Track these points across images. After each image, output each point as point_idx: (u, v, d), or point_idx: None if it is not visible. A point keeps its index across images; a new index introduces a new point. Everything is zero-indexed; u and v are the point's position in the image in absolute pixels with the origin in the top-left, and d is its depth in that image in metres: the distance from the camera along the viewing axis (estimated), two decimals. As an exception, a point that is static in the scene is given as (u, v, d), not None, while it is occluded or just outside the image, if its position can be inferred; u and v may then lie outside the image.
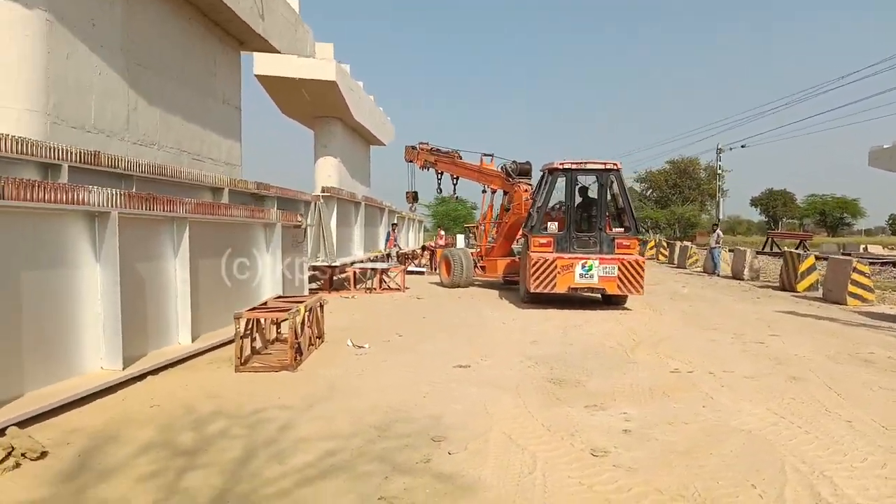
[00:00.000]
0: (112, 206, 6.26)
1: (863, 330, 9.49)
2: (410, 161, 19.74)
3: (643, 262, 11.55)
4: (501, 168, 15.78)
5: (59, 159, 7.08)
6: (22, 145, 6.57)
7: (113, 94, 10.34)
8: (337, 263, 14.83)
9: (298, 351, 7.18)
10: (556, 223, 12.02)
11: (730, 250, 21.54)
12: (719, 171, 47.55)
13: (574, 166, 11.85)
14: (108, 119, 10.24)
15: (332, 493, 3.60)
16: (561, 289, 11.50)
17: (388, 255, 21.56)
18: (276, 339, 8.23)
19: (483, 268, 16.44)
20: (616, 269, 11.41)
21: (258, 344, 7.62)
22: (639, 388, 5.95)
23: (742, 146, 41.75)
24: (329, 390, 5.94)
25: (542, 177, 12.55)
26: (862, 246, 53.80)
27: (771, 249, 37.64)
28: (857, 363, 7.07)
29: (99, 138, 9.98)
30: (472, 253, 17.10)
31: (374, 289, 15.39)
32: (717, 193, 46.94)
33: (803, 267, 15.10)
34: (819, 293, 14.29)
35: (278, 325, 8.31)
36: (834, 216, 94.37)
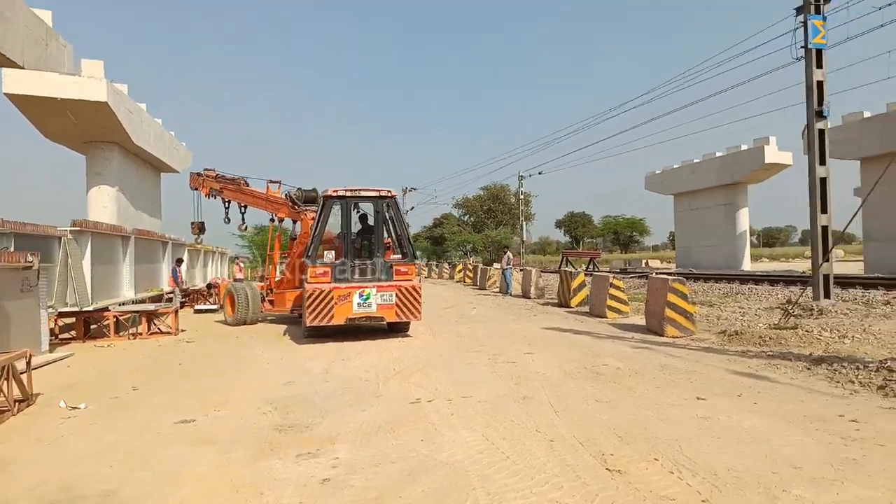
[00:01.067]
0: None
1: (608, 342, 10.22)
2: (196, 189, 18.32)
3: (420, 288, 11.54)
4: (286, 195, 15.13)
5: None
6: None
7: None
8: (91, 308, 13.08)
9: (-22, 421, 5.94)
10: (334, 252, 11.65)
11: (520, 270, 22.79)
12: (522, 196, 50.89)
13: (348, 194, 11.58)
14: None
15: None
16: (339, 320, 11.08)
17: (172, 294, 19.77)
18: None
19: (272, 301, 15.55)
20: (394, 296, 11.27)
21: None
22: (367, 427, 5.63)
23: (539, 173, 45.08)
24: (-5, 468, 4.87)
25: (321, 205, 12.13)
26: (644, 261, 60.75)
27: (566, 268, 40.86)
28: (588, 377, 7.45)
29: None
30: (259, 286, 16.16)
31: (141, 334, 13.81)
32: (521, 217, 50.14)
33: (574, 284, 16.27)
34: (588, 308, 15.43)
35: None
36: (625, 235, 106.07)
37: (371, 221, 12.42)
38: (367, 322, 11.46)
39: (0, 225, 11.89)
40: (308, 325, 11.12)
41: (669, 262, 61.72)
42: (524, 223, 50.11)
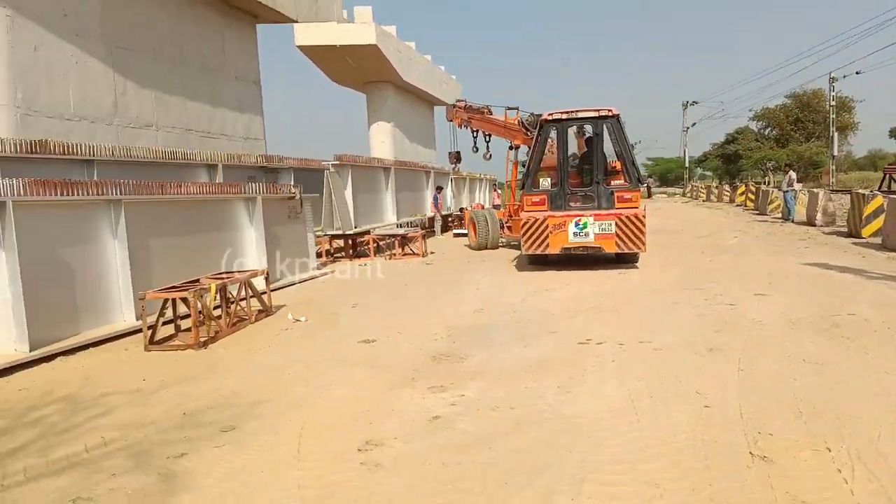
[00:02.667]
0: (7, 195, 6.41)
1: (879, 284, 8.01)
2: (451, 120, 19.16)
3: (643, 216, 10.44)
4: (519, 122, 14.90)
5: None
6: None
7: (94, 81, 10.68)
8: (351, 231, 14.78)
9: (220, 329, 7.19)
10: (550, 180, 11.17)
11: (807, 192, 19.19)
12: (834, 102, 42.33)
13: (565, 116, 10.88)
14: (91, 106, 10.62)
15: (37, 493, 3.48)
16: (554, 249, 10.71)
17: (432, 219, 21.37)
18: (229, 314, 8.09)
19: (510, 228, 15.76)
20: (613, 225, 10.42)
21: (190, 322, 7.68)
22: (516, 365, 5.34)
23: (857, 73, 36.69)
24: (205, 371, 5.85)
25: (537, 130, 11.65)
26: None
27: (889, 188, 33.11)
28: (818, 328, 5.93)
29: (82, 125, 10.40)
30: (500, 213, 16.46)
31: (395, 255, 15.25)
32: (831, 127, 41.88)
33: (868, 209, 13.08)
34: (881, 240, 12.34)
35: (229, 302, 8.18)
36: None
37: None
38: (586, 252, 10.82)
39: (281, 161, 14.02)
40: (524, 253, 10.99)
41: None
42: (835, 135, 41.83)
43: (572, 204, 10.84)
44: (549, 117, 10.98)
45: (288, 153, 13.64)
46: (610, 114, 10.63)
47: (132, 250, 7.90)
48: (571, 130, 11.96)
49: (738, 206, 31.08)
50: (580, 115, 10.87)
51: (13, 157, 7.78)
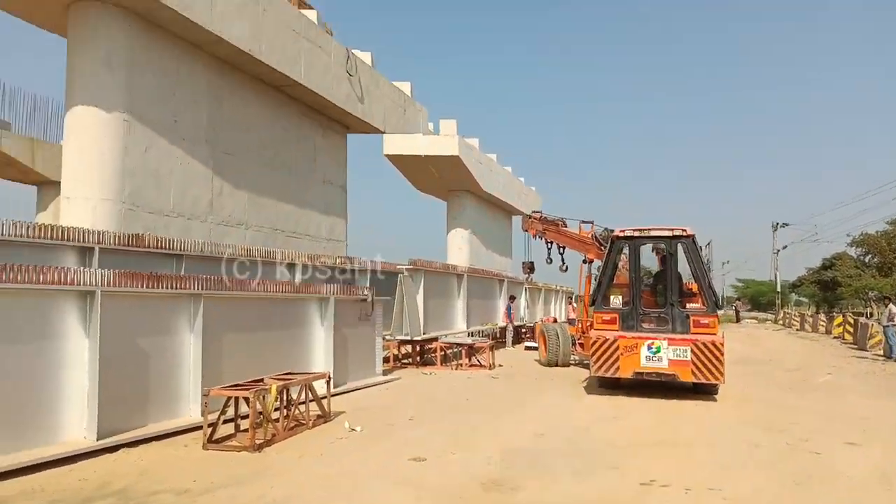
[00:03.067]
0: (97, 284, 6.87)
1: None
2: (526, 230, 19.35)
3: (722, 344, 9.88)
4: (593, 236, 14.85)
5: (93, 242, 8.17)
6: (57, 232, 7.73)
7: (195, 181, 11.59)
8: (419, 337, 14.79)
9: (276, 432, 7.21)
10: (621, 298, 10.88)
11: (911, 329, 17.68)
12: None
13: (637, 234, 10.74)
14: (190, 204, 11.47)
15: None
16: (625, 373, 10.22)
17: (504, 329, 21.12)
18: (287, 416, 8.11)
19: (581, 345, 15.30)
20: (689, 351, 9.89)
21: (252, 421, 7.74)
22: (568, 503, 4.99)
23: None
24: (254, 475, 5.82)
25: (609, 246, 11.52)
26: None
27: None
28: (919, 494, 5.25)
29: (179, 222, 11.21)
30: (571, 329, 16.08)
31: (461, 365, 15.04)
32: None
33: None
34: None
35: (289, 404, 8.16)
36: None
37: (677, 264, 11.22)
38: (659, 378, 10.25)
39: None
40: (593, 374, 10.56)
41: None
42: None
43: (645, 325, 10.46)
44: (621, 234, 10.87)
45: (367, 253, 14.12)
46: (684, 234, 10.40)
47: (206, 345, 8.20)
48: (647, 248, 11.76)
49: (835, 337, 29.01)
50: (653, 233, 10.71)
51: (112, 249, 8.43)
